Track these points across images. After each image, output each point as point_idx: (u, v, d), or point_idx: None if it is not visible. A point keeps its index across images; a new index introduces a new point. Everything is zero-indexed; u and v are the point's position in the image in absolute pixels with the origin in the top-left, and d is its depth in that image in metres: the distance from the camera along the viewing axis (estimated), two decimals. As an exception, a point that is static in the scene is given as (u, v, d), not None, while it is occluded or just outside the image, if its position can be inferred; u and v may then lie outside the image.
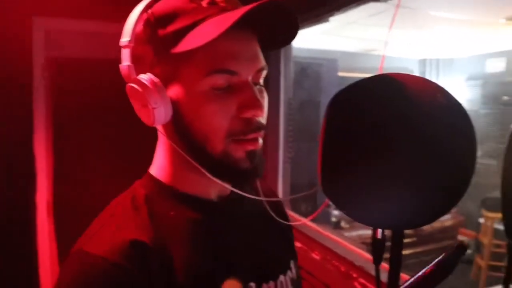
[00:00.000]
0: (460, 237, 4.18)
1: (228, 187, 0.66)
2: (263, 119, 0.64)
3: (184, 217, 0.65)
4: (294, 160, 2.69)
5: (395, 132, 0.45)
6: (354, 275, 1.82)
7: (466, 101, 4.38)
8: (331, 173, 0.47)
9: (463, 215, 4.20)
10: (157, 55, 0.61)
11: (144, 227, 0.61)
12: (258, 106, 0.60)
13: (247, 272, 0.66)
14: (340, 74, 4.18)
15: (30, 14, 2.25)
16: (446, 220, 4.06)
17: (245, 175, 0.63)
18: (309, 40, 3.39)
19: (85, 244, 0.59)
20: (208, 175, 0.62)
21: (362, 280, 1.77)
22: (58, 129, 2.47)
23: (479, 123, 4.12)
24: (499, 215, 0.55)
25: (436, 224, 3.90)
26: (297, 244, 0.82)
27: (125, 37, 0.62)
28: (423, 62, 5.04)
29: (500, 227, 3.39)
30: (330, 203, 0.48)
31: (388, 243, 0.51)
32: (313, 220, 2.40)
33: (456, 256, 0.48)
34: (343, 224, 3.60)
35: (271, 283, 0.70)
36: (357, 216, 0.47)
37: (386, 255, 0.51)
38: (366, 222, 0.48)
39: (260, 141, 0.65)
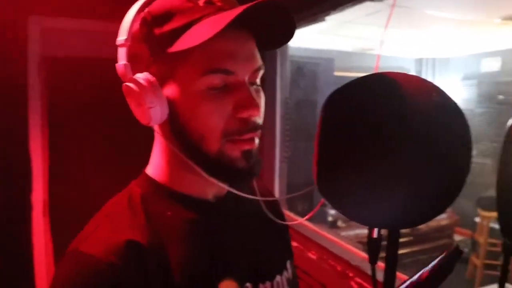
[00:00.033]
0: (456, 236, 4.21)
1: (225, 186, 0.66)
2: (259, 119, 0.63)
3: (180, 217, 0.64)
4: (290, 160, 2.69)
5: (391, 131, 0.45)
6: (351, 275, 1.82)
7: (461, 100, 4.39)
8: (327, 172, 0.47)
9: (458, 214, 4.21)
10: (153, 54, 0.61)
11: (140, 227, 0.60)
12: (254, 106, 0.60)
13: (243, 272, 0.66)
14: (337, 73, 4.17)
15: (26, 13, 2.24)
16: (442, 219, 4.07)
17: (241, 175, 0.63)
18: (306, 39, 3.39)
19: (81, 244, 0.59)
20: (204, 174, 0.62)
21: (358, 280, 1.77)
22: (53, 128, 2.46)
23: (475, 122, 4.14)
24: (495, 214, 0.55)
25: (432, 223, 3.91)
26: (294, 244, 0.82)
27: (122, 36, 0.61)
28: (419, 61, 5.05)
29: (496, 226, 3.40)
30: (326, 202, 0.48)
31: (384, 242, 0.51)
32: (309, 220, 2.40)
33: (451, 261, 0.48)
34: (339, 223, 3.60)
35: (268, 284, 0.70)
36: (353, 215, 0.48)
37: (383, 254, 0.51)
38: (362, 222, 0.48)
39: (257, 141, 0.65)
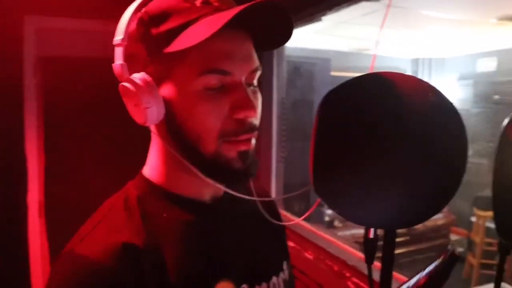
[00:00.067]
0: (452, 236, 4.22)
1: (221, 187, 0.65)
2: (256, 120, 0.63)
3: (177, 218, 0.64)
4: (287, 160, 2.69)
5: (386, 131, 0.45)
6: (347, 275, 1.82)
7: (457, 100, 4.41)
8: (323, 172, 0.47)
9: (455, 214, 4.23)
10: (150, 54, 0.61)
11: (136, 228, 0.60)
12: (250, 107, 0.60)
13: (240, 273, 0.66)
14: (333, 73, 4.18)
15: (22, 13, 2.23)
16: (438, 219, 4.08)
17: (237, 175, 0.63)
18: (302, 39, 3.39)
19: (77, 245, 0.58)
20: (201, 175, 0.62)
21: (355, 280, 1.77)
22: (49, 129, 2.45)
23: (471, 122, 4.16)
24: (491, 213, 0.55)
25: (429, 223, 3.92)
26: (290, 244, 0.82)
27: (119, 36, 0.61)
28: (415, 62, 5.07)
29: (492, 225, 3.41)
30: (322, 202, 0.48)
31: (380, 242, 0.51)
32: (306, 220, 2.41)
33: (448, 266, 0.49)
34: (336, 223, 3.60)
35: (264, 285, 0.70)
36: (349, 215, 0.48)
37: (379, 254, 0.51)
38: (358, 221, 0.48)
39: (253, 141, 0.64)
